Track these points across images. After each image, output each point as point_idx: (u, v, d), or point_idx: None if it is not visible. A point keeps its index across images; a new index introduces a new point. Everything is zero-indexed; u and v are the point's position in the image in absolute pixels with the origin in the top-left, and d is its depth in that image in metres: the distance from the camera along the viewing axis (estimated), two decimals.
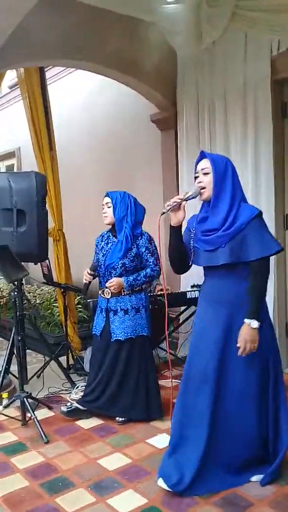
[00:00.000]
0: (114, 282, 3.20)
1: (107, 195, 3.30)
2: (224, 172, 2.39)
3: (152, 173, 5.07)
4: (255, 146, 4.01)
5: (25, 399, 3.29)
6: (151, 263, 3.26)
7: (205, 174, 2.41)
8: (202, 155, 2.46)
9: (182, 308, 4.48)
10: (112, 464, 2.80)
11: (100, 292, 3.35)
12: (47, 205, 3.74)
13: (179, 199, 2.43)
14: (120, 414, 3.31)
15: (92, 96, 5.80)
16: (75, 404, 3.39)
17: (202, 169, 2.42)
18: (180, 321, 4.49)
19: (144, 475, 2.67)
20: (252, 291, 2.34)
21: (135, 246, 3.23)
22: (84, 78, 5.62)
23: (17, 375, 3.51)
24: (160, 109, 4.85)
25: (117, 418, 3.31)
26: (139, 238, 3.25)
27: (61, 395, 3.85)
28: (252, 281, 2.35)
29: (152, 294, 4.14)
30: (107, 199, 3.28)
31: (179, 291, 4.32)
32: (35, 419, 3.19)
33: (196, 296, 4.11)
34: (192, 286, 4.28)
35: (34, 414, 3.22)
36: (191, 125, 4.58)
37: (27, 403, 3.28)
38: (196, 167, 2.48)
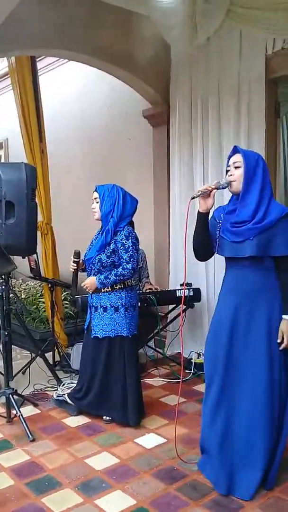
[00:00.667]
0: (87, 281, 3.17)
1: (96, 189, 3.21)
2: (255, 168, 2.43)
3: (143, 168, 5.03)
4: (248, 145, 3.98)
5: (10, 395, 3.22)
6: (123, 261, 3.10)
7: (236, 168, 2.46)
8: (235, 150, 2.51)
9: (171, 306, 4.44)
10: (100, 464, 2.75)
11: None
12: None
13: (210, 187, 2.48)
14: (106, 413, 3.26)
15: (84, 89, 5.72)
16: (65, 397, 3.36)
17: (234, 163, 2.47)
18: (168, 320, 4.45)
19: (133, 475, 2.63)
20: (284, 287, 2.42)
21: (113, 241, 3.11)
22: (76, 70, 5.55)
23: (1, 371, 3.43)
24: (152, 105, 4.80)
25: (104, 417, 3.26)
26: (119, 233, 3.12)
27: (47, 392, 3.78)
28: (282, 278, 2.43)
29: (140, 291, 4.10)
30: (95, 194, 3.19)
31: (168, 289, 4.28)
32: (20, 416, 3.11)
33: (186, 294, 4.09)
34: (181, 285, 4.24)
35: (19, 411, 3.15)
36: (183, 122, 4.54)
37: (12, 400, 3.20)
38: (228, 161, 2.53)
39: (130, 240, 3.11)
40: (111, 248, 3.11)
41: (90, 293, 3.21)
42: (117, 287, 3.15)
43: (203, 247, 2.61)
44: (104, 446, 2.95)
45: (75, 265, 3.25)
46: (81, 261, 3.27)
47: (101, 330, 3.16)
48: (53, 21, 3.83)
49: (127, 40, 4.33)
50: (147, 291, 4.16)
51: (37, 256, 3.98)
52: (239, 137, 4.06)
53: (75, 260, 3.24)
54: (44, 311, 5.04)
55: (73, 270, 3.27)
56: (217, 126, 4.26)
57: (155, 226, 4.90)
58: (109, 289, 3.14)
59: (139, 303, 3.87)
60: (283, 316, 2.40)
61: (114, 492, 2.48)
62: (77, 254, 3.24)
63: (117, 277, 3.09)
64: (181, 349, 3.25)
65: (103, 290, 3.14)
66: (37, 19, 3.75)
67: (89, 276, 3.22)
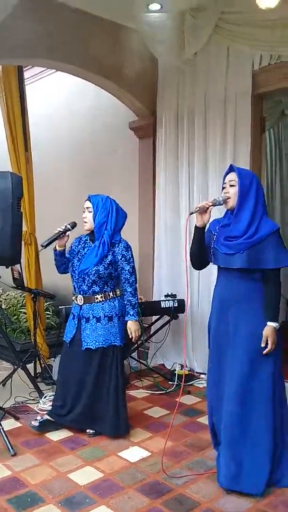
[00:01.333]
0: (133, 329, 3.16)
1: (89, 199, 3.20)
2: (249, 187, 2.60)
3: (128, 180, 5.03)
4: (234, 159, 4.02)
5: None
6: (126, 272, 3.15)
7: (232, 186, 2.63)
8: (231, 168, 2.68)
9: (154, 318, 4.42)
10: (84, 479, 2.70)
11: (73, 298, 3.25)
12: None
13: (207, 204, 2.66)
14: (91, 426, 3.20)
15: (71, 99, 5.71)
16: (46, 417, 3.26)
17: (230, 181, 2.65)
18: (152, 331, 4.43)
19: (117, 490, 2.58)
20: (270, 297, 2.59)
21: (111, 253, 3.13)
22: (63, 81, 5.53)
23: None
24: (139, 117, 4.82)
25: (87, 430, 3.21)
26: (116, 245, 3.15)
27: (28, 404, 3.70)
28: (269, 289, 2.59)
29: None
30: (88, 204, 3.18)
31: (153, 300, 4.27)
32: (1, 430, 3.04)
33: (170, 305, 4.08)
34: (166, 296, 4.24)
35: (0, 424, 3.07)
36: (169, 135, 4.56)
37: None
38: (224, 179, 2.71)
39: (129, 252, 3.19)
40: (109, 260, 3.12)
41: (81, 303, 3.16)
42: (110, 296, 3.15)
43: (199, 257, 2.80)
44: (88, 460, 2.90)
45: (63, 229, 3.20)
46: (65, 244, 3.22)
47: (94, 341, 3.11)
48: (40, 31, 3.82)
49: (115, 52, 4.36)
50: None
51: (20, 266, 3.93)
52: (225, 151, 4.10)
53: (68, 228, 3.21)
54: (26, 321, 4.96)
55: (59, 231, 3.19)
56: (203, 139, 4.29)
57: (140, 237, 4.89)
58: (103, 298, 3.13)
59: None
60: (268, 323, 2.55)
61: (98, 507, 2.43)
62: (73, 226, 3.22)
63: (134, 295, 3.18)
64: (184, 361, 3.27)
65: (95, 300, 3.13)
66: (24, 28, 3.73)
67: (79, 286, 3.17)
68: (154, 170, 4.73)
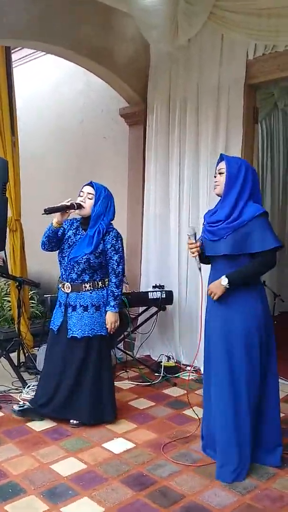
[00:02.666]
0: (110, 322, 3.09)
1: (91, 185, 3.10)
2: (237, 173, 2.60)
3: (117, 167, 4.95)
4: (225, 148, 3.97)
5: None
6: (113, 261, 3.10)
7: (221, 174, 2.66)
8: (221, 157, 2.71)
9: (141, 308, 4.37)
10: (66, 470, 2.64)
11: (60, 286, 3.18)
12: None
13: (191, 245, 2.70)
14: (74, 417, 3.15)
15: (60, 83, 5.59)
16: (28, 404, 3.20)
17: (219, 170, 2.68)
18: (139, 322, 4.38)
19: (100, 482, 2.54)
20: (247, 266, 2.54)
21: (102, 242, 3.08)
22: (53, 64, 5.42)
23: None
24: (129, 104, 4.73)
25: (71, 421, 3.15)
26: (107, 234, 3.09)
27: (11, 394, 3.63)
28: (251, 263, 2.54)
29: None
30: (90, 190, 3.09)
31: (140, 291, 4.21)
32: None
33: (158, 297, 4.03)
34: (154, 287, 4.18)
35: None
36: (160, 122, 4.48)
37: None
38: (216, 168, 2.73)
39: (119, 241, 3.13)
40: (100, 249, 3.06)
41: (68, 291, 3.09)
42: (99, 286, 3.09)
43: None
44: (71, 451, 2.85)
45: (69, 203, 3.03)
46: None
47: (79, 330, 3.06)
48: (30, 12, 3.71)
49: (106, 36, 4.26)
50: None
51: (5, 253, 3.83)
52: (217, 140, 4.05)
53: (73, 206, 3.05)
54: (9, 310, 4.87)
55: (66, 205, 3.02)
56: (195, 128, 4.23)
57: (128, 226, 4.82)
58: (92, 287, 3.06)
59: None
60: (222, 277, 2.54)
61: (81, 499, 2.39)
62: (78, 206, 3.07)
63: (118, 287, 3.12)
64: (194, 357, 3.34)
65: (84, 289, 3.06)
66: (16, 9, 3.62)
67: (67, 274, 3.09)
68: (144, 158, 4.65)
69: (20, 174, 4.53)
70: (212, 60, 4.07)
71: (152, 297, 4.05)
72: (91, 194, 3.08)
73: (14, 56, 4.73)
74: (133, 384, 3.92)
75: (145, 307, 4.27)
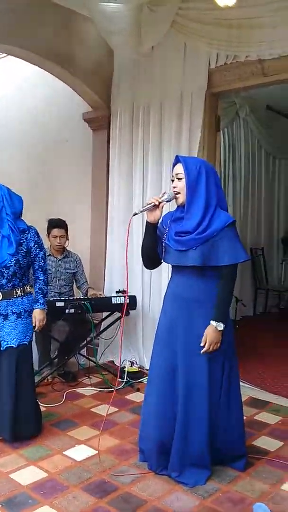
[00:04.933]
0: (38, 319, 3.01)
1: None
2: (197, 177, 2.44)
3: (81, 172, 4.93)
4: (188, 155, 4.01)
5: None
6: (39, 258, 3.02)
7: (179, 179, 2.47)
8: (177, 159, 2.51)
9: (105, 314, 4.34)
10: (26, 479, 2.58)
11: None
12: None
13: (153, 202, 2.48)
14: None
15: (23, 87, 5.52)
16: None
17: (177, 174, 2.48)
18: (102, 328, 4.34)
19: (61, 490, 2.49)
20: (221, 295, 2.48)
21: (24, 241, 2.95)
22: (15, 67, 5.35)
23: None
24: (93, 108, 4.73)
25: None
26: (27, 232, 2.97)
27: None
28: (221, 286, 2.47)
29: (85, 297, 4.03)
30: None
31: (104, 296, 4.18)
32: None
33: (121, 302, 4.01)
34: (117, 292, 4.17)
35: None
36: (124, 128, 4.50)
37: None
38: (172, 171, 2.54)
39: (41, 238, 3.07)
40: (25, 248, 2.95)
41: None
42: (28, 290, 3.02)
43: (151, 256, 2.63)
44: (31, 459, 2.78)
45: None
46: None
47: (15, 339, 2.93)
48: None
49: (70, 40, 4.25)
50: (92, 296, 4.04)
51: None
52: (180, 147, 4.08)
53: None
54: None
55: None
56: (158, 135, 4.25)
57: (92, 231, 4.79)
58: (22, 293, 2.98)
59: (72, 310, 3.77)
60: (211, 322, 2.46)
61: (41, 508, 2.33)
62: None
63: (46, 284, 3.08)
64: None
65: (15, 295, 2.93)
66: None
67: None
68: (108, 163, 4.65)
69: None
70: (175, 68, 4.12)
71: (115, 302, 4.03)
72: None
73: None
74: (95, 390, 3.88)
75: (108, 312, 4.24)
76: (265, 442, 3.04)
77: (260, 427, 3.25)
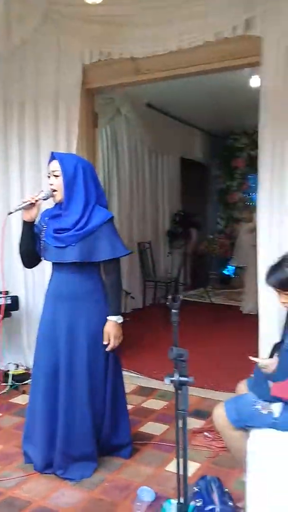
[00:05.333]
0: None
1: None
2: (75, 175, 2.44)
3: None
4: (64, 152, 3.97)
5: None
6: None
7: (56, 176, 2.45)
8: (52, 156, 2.48)
9: None
10: None
11: None
12: None
13: (29, 201, 2.45)
14: None
15: None
16: None
17: (53, 171, 2.46)
18: None
19: None
20: (112, 289, 2.54)
21: None
22: None
23: None
24: None
25: None
26: None
27: None
28: (109, 282, 2.54)
29: None
30: None
31: None
32: None
33: (2, 303, 3.87)
34: None
35: None
36: None
37: None
38: (48, 167, 2.50)
39: None
40: None
41: None
42: None
43: (29, 254, 2.59)
44: None
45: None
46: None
47: None
48: None
49: None
50: None
51: None
52: (58, 145, 4.00)
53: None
54: None
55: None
56: (35, 132, 4.12)
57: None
58: None
59: None
60: (108, 317, 2.52)
61: None
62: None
63: None
64: None
65: None
66: None
67: None
68: None
69: None
70: (49, 63, 4.03)
71: None
72: None
73: None
74: None
75: None
76: (151, 427, 3.15)
77: (147, 413, 3.35)
